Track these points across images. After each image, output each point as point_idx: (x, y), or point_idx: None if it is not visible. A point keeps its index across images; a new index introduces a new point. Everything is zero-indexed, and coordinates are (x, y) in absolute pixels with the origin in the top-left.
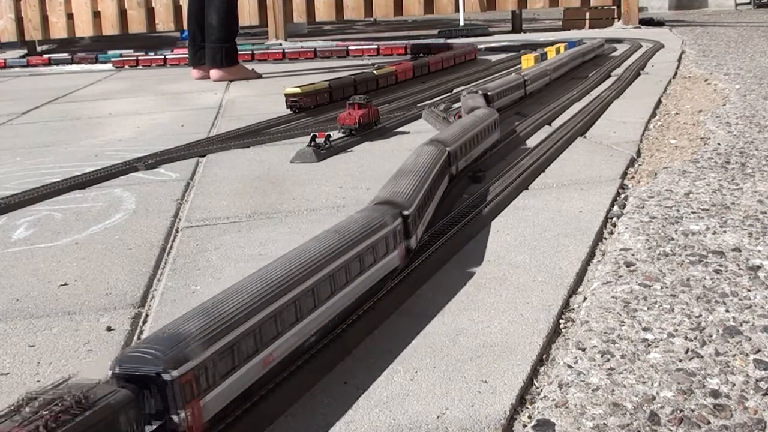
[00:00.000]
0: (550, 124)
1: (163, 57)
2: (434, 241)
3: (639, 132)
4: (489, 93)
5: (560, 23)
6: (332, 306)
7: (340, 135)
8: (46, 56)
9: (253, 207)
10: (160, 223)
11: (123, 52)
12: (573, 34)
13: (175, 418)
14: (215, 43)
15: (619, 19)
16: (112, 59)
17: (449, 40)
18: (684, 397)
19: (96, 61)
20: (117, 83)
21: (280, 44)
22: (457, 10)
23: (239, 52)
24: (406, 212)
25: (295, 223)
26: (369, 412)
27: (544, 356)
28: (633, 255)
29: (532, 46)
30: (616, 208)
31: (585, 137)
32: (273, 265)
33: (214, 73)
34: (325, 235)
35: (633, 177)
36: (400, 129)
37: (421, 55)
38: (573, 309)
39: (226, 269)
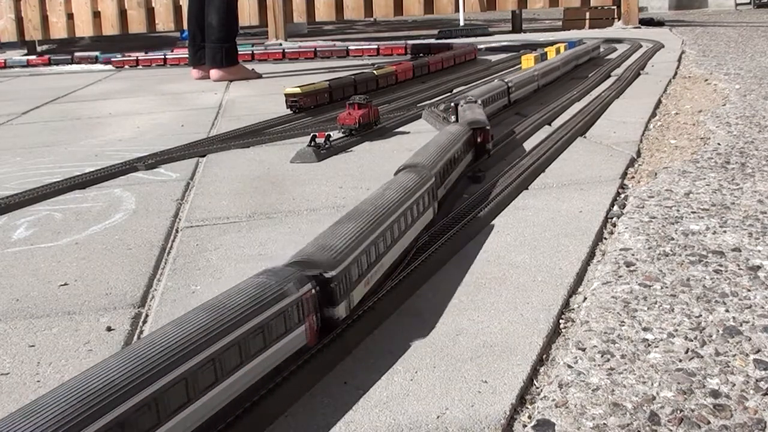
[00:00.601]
0: (550, 124)
1: (163, 57)
2: (434, 241)
3: (639, 132)
4: (461, 104)
5: (560, 23)
6: (193, 415)
7: (340, 135)
8: (46, 56)
9: (253, 207)
10: (160, 223)
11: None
12: (573, 34)
13: None
14: (215, 43)
15: (619, 19)
16: (112, 59)
17: (449, 41)
18: (684, 397)
19: (96, 61)
20: (117, 83)
21: (280, 44)
22: (457, 10)
23: (239, 52)
24: (328, 274)
25: (295, 223)
26: (369, 412)
27: (544, 356)
28: (633, 255)
29: (532, 46)
30: (616, 208)
31: (585, 137)
32: (111, 361)
33: (214, 73)
34: (194, 315)
35: (633, 177)
36: (400, 129)
37: (421, 55)
38: (573, 309)
39: (226, 269)
